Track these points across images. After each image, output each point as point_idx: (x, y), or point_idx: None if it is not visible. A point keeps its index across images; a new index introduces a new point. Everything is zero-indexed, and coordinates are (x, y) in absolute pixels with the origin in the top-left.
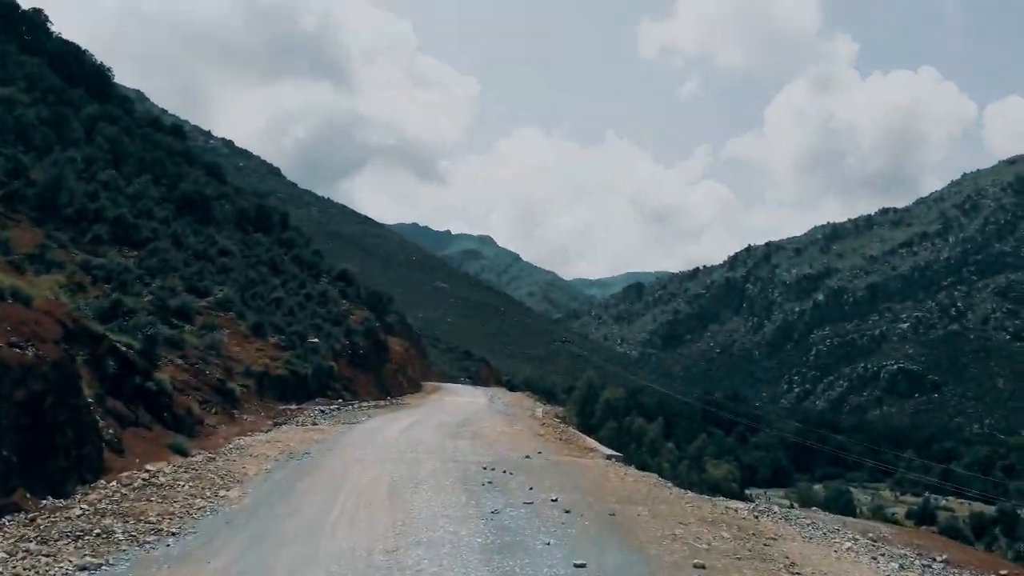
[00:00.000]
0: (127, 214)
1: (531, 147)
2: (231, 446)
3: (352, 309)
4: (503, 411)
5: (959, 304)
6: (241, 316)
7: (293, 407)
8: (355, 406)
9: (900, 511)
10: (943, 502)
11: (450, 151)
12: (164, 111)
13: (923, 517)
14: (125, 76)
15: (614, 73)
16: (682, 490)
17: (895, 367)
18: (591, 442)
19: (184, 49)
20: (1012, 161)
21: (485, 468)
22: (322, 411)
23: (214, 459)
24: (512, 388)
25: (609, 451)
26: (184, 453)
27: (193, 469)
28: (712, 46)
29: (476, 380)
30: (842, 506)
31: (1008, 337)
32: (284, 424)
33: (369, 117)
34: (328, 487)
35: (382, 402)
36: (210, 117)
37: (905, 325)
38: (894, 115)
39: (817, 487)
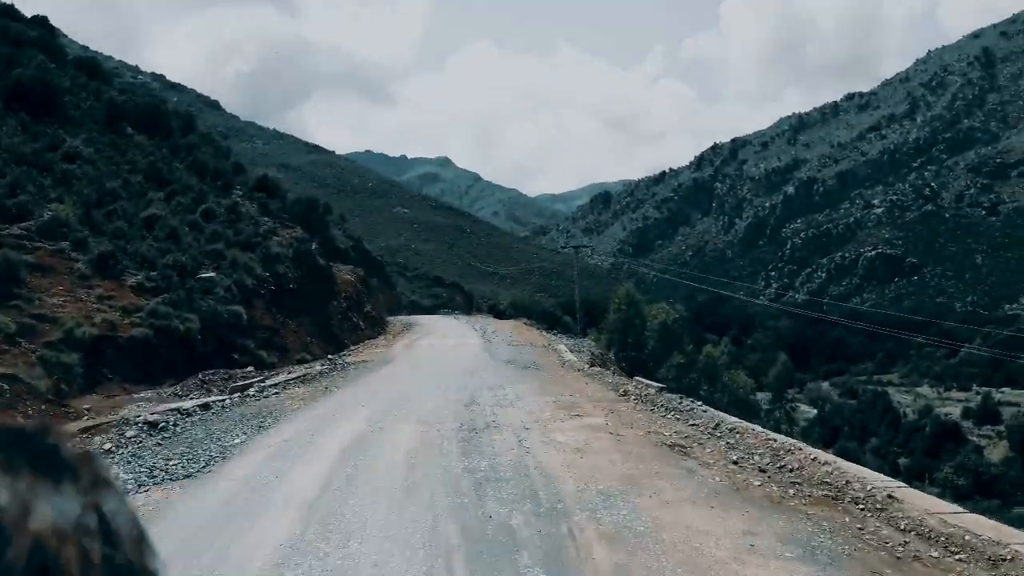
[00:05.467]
0: None
1: (484, 62)
2: None
3: (277, 228)
4: (517, 360)
5: (932, 184)
6: (81, 246)
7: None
8: (259, 386)
9: (954, 411)
10: (997, 396)
11: (401, 73)
12: (86, 48)
13: (984, 415)
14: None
15: None
16: None
17: (873, 253)
18: (884, 481)
19: None
20: (977, 35)
21: None
22: (148, 428)
23: None
24: (499, 315)
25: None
26: None
27: None
28: None
29: (452, 307)
30: (882, 410)
31: (983, 213)
32: None
33: (314, 42)
34: None
35: (317, 366)
36: (144, 53)
37: (879, 210)
38: None
39: (824, 384)
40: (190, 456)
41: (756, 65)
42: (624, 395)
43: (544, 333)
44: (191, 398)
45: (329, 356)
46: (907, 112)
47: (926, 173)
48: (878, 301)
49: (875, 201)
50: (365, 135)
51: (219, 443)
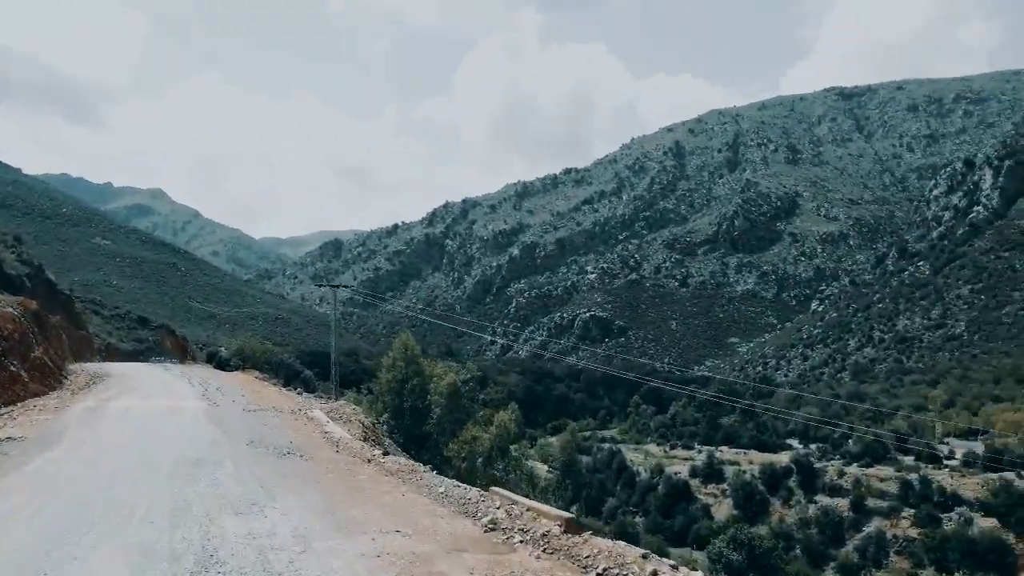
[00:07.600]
0: None
1: (210, 96)
2: None
3: None
4: (266, 439)
5: (636, 256)
6: None
7: None
8: None
9: (682, 470)
10: (718, 454)
11: (113, 94)
12: None
13: (709, 474)
14: None
15: (302, 24)
16: None
17: (587, 315)
18: None
19: None
20: (671, 129)
21: None
22: None
23: None
24: (222, 365)
25: None
26: None
27: None
28: (403, 3)
29: (161, 353)
30: (617, 469)
31: (676, 284)
32: None
33: (2, 45)
34: None
35: None
36: None
37: (592, 276)
38: (570, 85)
39: (553, 440)
40: None
41: (484, 132)
42: (493, 529)
43: (285, 391)
44: None
45: None
46: (615, 190)
47: (630, 246)
48: (592, 359)
49: (589, 268)
50: (63, 157)
51: None
